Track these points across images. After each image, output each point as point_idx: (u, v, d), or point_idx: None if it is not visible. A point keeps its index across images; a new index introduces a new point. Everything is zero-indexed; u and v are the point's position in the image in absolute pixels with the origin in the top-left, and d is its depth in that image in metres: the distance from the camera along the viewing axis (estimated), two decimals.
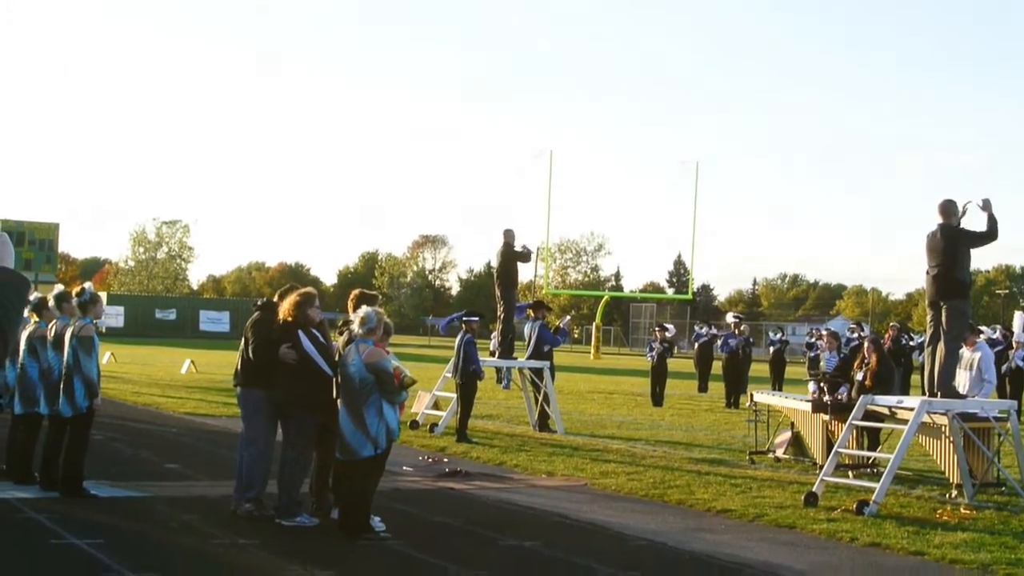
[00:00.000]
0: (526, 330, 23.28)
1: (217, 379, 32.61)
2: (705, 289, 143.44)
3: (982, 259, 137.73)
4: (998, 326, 32.95)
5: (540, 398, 22.00)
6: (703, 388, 35.27)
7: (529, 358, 22.61)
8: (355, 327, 11.11)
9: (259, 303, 12.51)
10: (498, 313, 23.09)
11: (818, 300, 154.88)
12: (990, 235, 14.09)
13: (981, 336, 19.28)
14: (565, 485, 15.02)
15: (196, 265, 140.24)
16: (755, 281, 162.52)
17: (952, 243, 14.01)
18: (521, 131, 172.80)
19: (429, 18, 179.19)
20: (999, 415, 14.73)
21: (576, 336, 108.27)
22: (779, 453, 17.91)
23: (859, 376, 16.91)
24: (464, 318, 20.88)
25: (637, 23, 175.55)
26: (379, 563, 10.09)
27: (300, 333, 11.45)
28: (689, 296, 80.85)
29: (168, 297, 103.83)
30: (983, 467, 14.49)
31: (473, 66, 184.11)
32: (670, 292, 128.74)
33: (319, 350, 11.48)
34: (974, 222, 14.24)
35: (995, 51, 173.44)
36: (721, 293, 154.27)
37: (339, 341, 11.77)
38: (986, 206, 13.91)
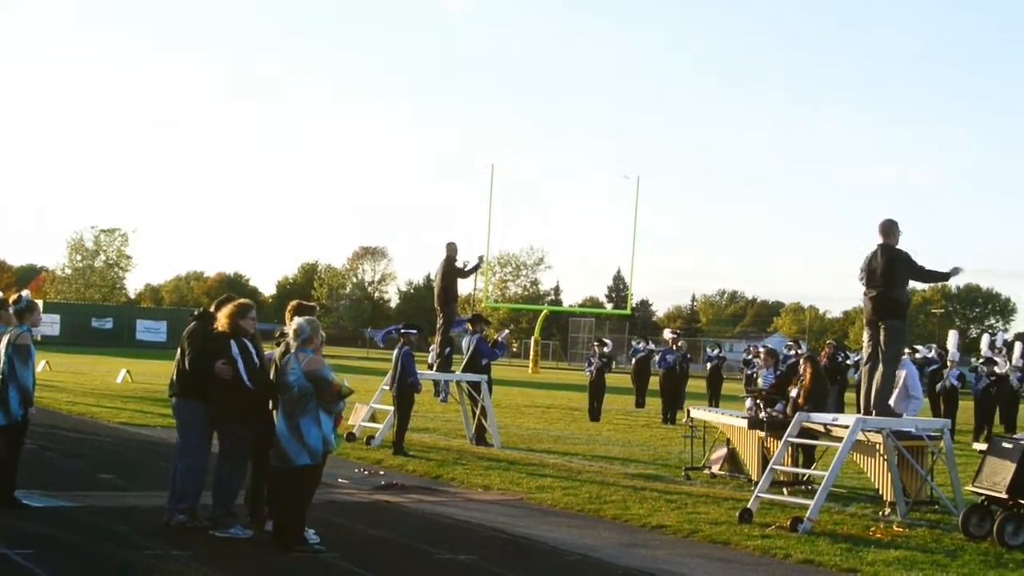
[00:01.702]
0: (464, 343, 23.24)
1: (153, 389, 32.32)
2: (644, 304, 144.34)
3: None
4: (933, 345, 33.38)
5: (477, 411, 21.98)
6: (640, 403, 35.42)
7: (465, 371, 22.57)
8: (290, 339, 11.08)
9: (196, 313, 12.39)
10: (437, 326, 23.10)
11: (756, 317, 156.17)
12: (928, 278, 14.53)
13: (917, 354, 19.52)
14: (501, 499, 15.02)
15: (134, 274, 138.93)
16: (694, 297, 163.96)
17: (892, 264, 14.09)
18: (463, 144, 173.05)
19: (372, 27, 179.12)
20: (933, 434, 14.88)
21: (515, 350, 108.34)
22: (715, 469, 18.00)
23: (793, 393, 17.03)
24: (402, 330, 20.83)
25: (579, 38, 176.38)
26: None
27: (231, 343, 11.35)
28: (628, 311, 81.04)
29: (105, 306, 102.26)
30: (916, 485, 14.64)
31: (416, 78, 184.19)
32: (609, 307, 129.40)
33: (245, 361, 11.35)
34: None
35: (939, 70, 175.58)
36: (660, 309, 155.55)
37: (275, 352, 11.69)
38: (953, 272, 14.26)
